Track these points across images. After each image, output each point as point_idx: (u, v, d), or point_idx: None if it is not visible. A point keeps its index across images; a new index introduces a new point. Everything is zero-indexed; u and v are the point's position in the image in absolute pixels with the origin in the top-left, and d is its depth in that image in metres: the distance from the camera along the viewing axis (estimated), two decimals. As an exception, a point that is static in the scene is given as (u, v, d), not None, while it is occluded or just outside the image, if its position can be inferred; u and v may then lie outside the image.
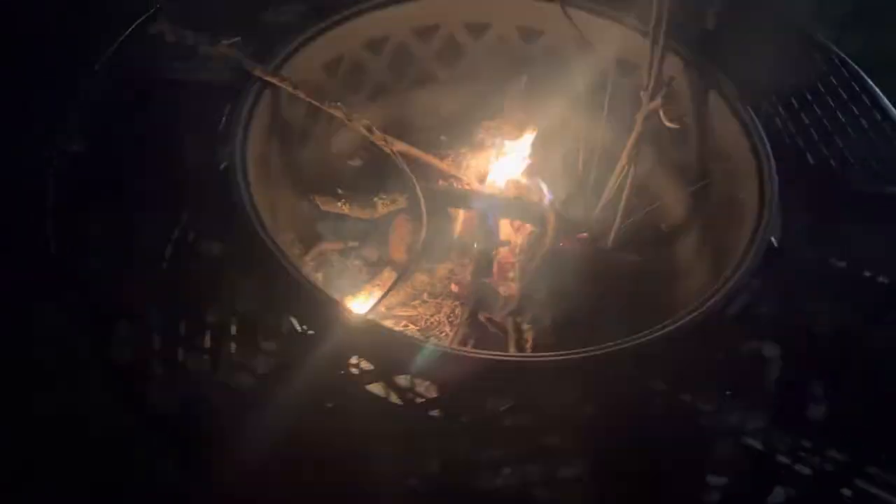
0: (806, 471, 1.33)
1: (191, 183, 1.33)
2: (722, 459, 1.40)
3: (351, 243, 1.56)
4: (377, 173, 1.60)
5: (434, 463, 1.20)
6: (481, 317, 1.39)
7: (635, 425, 1.30)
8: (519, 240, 1.55)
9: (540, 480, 1.30)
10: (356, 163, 1.70)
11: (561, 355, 1.14)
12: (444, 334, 1.45)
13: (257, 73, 1.39)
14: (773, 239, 1.32)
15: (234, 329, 1.25)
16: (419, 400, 1.21)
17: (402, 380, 1.15)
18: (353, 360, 1.13)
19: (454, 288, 1.52)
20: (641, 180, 1.59)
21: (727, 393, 1.55)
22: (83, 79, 1.47)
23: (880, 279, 1.35)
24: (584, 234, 1.54)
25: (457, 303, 1.47)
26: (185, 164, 1.35)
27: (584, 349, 1.15)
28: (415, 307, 1.48)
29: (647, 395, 1.37)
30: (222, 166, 1.25)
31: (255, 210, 1.23)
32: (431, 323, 1.46)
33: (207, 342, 1.27)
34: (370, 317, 1.23)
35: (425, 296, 1.49)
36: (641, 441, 1.30)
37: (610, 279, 1.49)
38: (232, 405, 1.22)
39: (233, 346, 1.25)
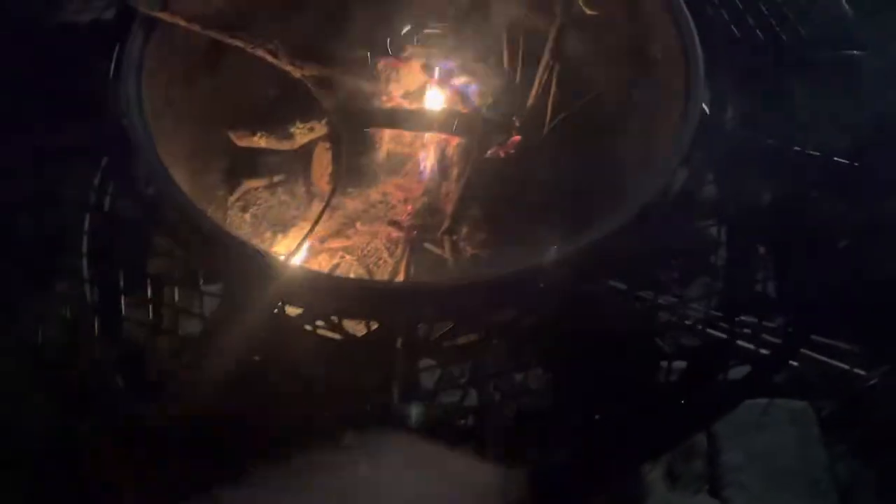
0: (755, 346, 1.36)
1: (89, 137, 1.26)
2: (677, 344, 1.43)
3: (277, 178, 1.50)
4: (299, 100, 1.51)
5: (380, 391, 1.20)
6: (422, 240, 1.36)
7: (588, 326, 1.31)
8: (450, 153, 1.49)
9: (493, 394, 1.32)
10: (272, 91, 1.60)
11: (494, 273, 1.11)
12: (381, 261, 1.41)
13: (142, 8, 1.28)
14: (704, 106, 1.28)
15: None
16: (356, 333, 1.19)
17: (334, 318, 1.12)
18: (280, 305, 1.09)
19: (392, 213, 1.47)
20: (574, 71, 1.53)
21: (674, 278, 1.56)
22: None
23: (809, 152, 1.32)
24: (517, 137, 1.49)
25: (392, 228, 1.42)
26: (79, 116, 1.27)
27: (521, 263, 1.12)
28: (349, 236, 1.43)
29: (595, 295, 1.37)
30: (123, 120, 1.16)
31: (158, 161, 1.15)
32: (368, 251, 1.42)
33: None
34: (291, 261, 1.18)
35: (358, 224, 1.44)
36: (597, 339, 1.31)
37: (547, 179, 1.45)
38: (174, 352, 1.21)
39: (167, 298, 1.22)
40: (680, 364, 1.39)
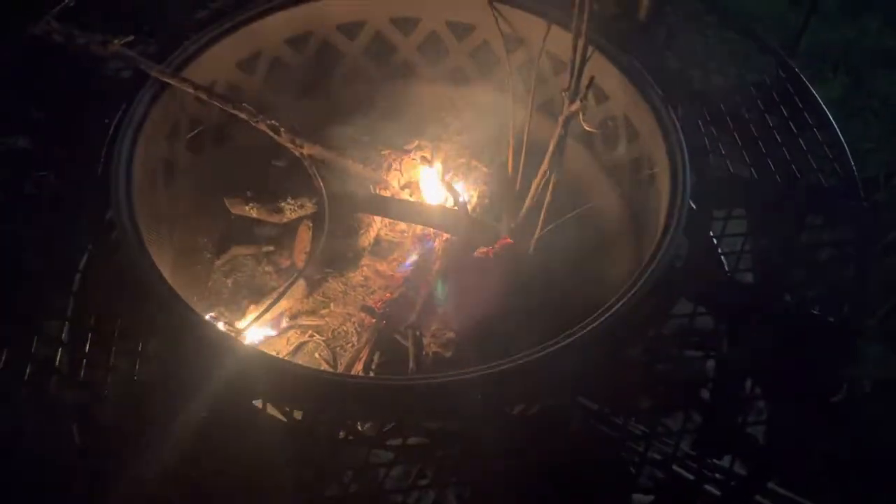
0: (722, 493, 1.28)
1: (76, 193, 1.29)
2: (647, 478, 1.36)
3: (265, 248, 1.51)
4: (298, 176, 1.54)
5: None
6: (392, 330, 1.34)
7: (551, 443, 1.25)
8: (438, 247, 1.48)
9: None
10: (281, 163, 1.64)
11: (445, 376, 1.08)
12: (349, 345, 1.39)
13: (154, 73, 1.34)
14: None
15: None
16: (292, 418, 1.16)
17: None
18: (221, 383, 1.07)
19: (369, 299, 1.47)
20: (573, 181, 1.53)
21: (653, 407, 1.49)
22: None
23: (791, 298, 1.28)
24: (508, 240, 1.48)
25: (366, 314, 1.41)
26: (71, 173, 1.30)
27: (478, 367, 1.09)
28: (322, 316, 1.42)
29: (561, 411, 1.32)
30: (99, 172, 1.19)
31: (133, 226, 1.17)
32: (338, 333, 1.41)
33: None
34: (242, 335, 1.17)
35: (333, 305, 1.43)
36: (558, 458, 1.25)
37: (528, 286, 1.43)
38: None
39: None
40: (644, 498, 1.32)
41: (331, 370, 1.29)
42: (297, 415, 1.15)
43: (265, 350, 1.29)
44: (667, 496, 1.32)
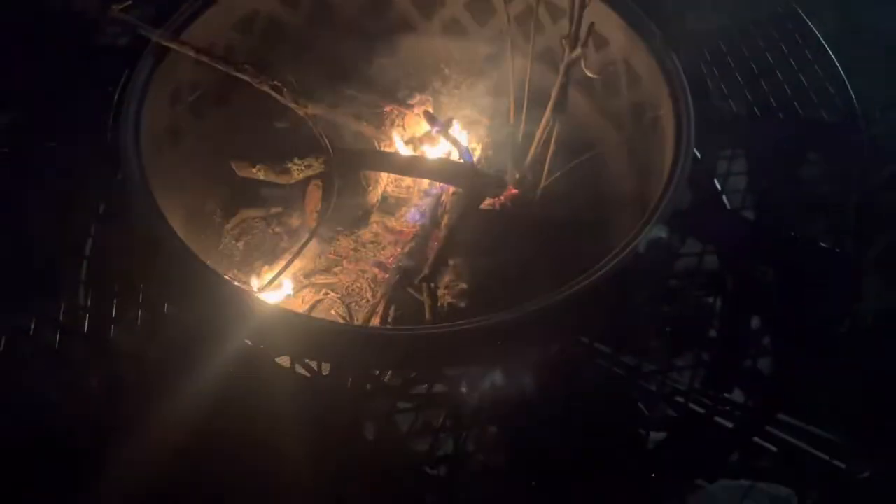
0: (734, 425, 1.32)
1: (84, 160, 1.30)
2: (658, 415, 1.40)
3: (274, 209, 1.52)
4: (302, 136, 1.54)
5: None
6: (405, 284, 1.36)
7: (566, 386, 1.29)
8: (445, 201, 1.49)
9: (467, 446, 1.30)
10: (282, 124, 1.64)
11: (464, 324, 1.10)
12: (364, 301, 1.41)
13: (155, 38, 1.33)
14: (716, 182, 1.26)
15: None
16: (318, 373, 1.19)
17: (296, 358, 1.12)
18: (247, 340, 1.10)
19: (380, 255, 1.48)
20: (574, 130, 1.54)
21: (663, 346, 1.53)
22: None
23: (793, 234, 1.30)
24: (514, 190, 1.49)
25: (378, 269, 1.43)
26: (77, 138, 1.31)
27: (492, 314, 1.11)
28: (335, 274, 1.44)
29: (574, 355, 1.35)
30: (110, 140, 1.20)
31: (146, 186, 1.18)
32: (352, 290, 1.43)
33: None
34: (264, 295, 1.19)
35: (346, 262, 1.45)
36: (573, 400, 1.29)
37: (535, 235, 1.45)
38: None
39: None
40: (659, 435, 1.36)
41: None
42: (324, 369, 1.18)
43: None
44: (680, 431, 1.36)
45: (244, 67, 1.39)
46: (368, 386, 1.22)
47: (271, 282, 1.24)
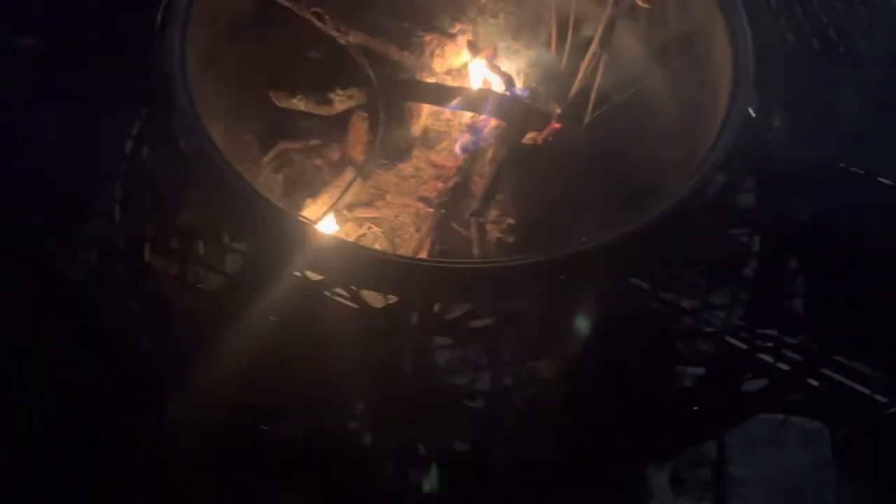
0: (775, 361, 1.34)
1: (131, 87, 1.27)
2: (696, 350, 1.41)
3: (312, 141, 1.49)
4: (339, 65, 1.51)
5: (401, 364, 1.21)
6: (449, 218, 1.36)
7: (608, 322, 1.29)
8: (487, 134, 1.47)
9: (506, 380, 1.32)
10: (315, 54, 1.59)
11: (517, 260, 1.10)
12: (407, 236, 1.40)
13: (195, -40, 1.28)
14: (751, 111, 1.25)
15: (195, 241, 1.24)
16: (373, 306, 1.19)
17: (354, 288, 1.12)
18: (304, 272, 1.09)
19: (423, 189, 1.47)
20: (619, 62, 1.51)
21: (701, 284, 1.54)
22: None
23: (853, 170, 1.29)
24: (557, 125, 1.47)
25: (421, 203, 1.42)
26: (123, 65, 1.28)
27: (544, 252, 1.10)
28: (378, 208, 1.43)
29: (617, 292, 1.36)
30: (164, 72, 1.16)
31: (196, 117, 1.15)
32: (395, 224, 1.42)
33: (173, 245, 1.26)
34: (319, 226, 1.18)
35: (388, 196, 1.44)
36: (615, 338, 1.29)
37: (582, 170, 1.43)
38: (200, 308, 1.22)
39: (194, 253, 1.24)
40: (697, 370, 1.38)
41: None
42: (376, 303, 1.18)
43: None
44: (720, 367, 1.38)
45: (284, -8, 1.35)
46: (416, 319, 1.22)
47: (326, 213, 1.23)
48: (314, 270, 1.08)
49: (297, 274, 1.10)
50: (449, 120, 1.54)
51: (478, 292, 1.13)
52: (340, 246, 1.07)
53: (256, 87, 1.46)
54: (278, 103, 1.42)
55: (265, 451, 1.19)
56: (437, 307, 1.16)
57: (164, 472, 1.17)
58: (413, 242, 1.37)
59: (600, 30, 1.41)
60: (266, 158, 1.48)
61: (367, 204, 1.44)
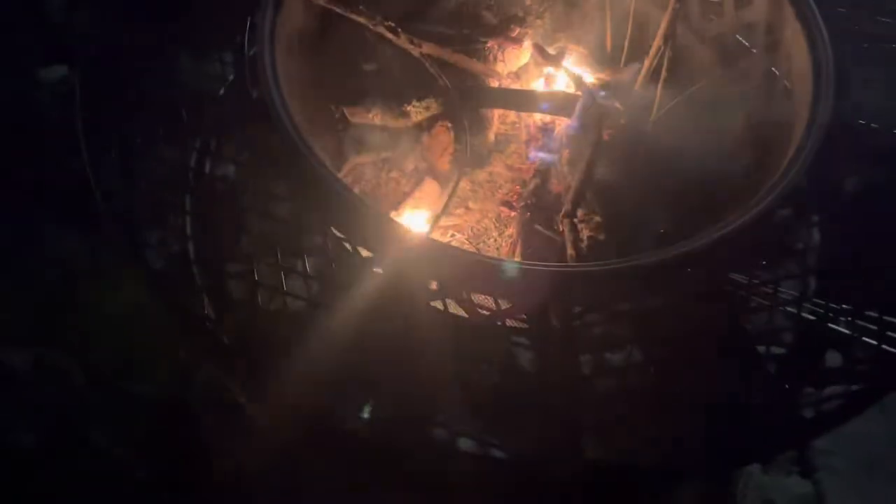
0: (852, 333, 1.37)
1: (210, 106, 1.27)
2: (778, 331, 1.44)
3: (384, 154, 1.50)
4: (408, 77, 1.50)
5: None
6: (533, 221, 1.37)
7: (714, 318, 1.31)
8: (562, 136, 1.49)
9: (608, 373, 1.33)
10: (371, 66, 1.59)
11: (625, 262, 1.12)
12: (492, 240, 1.42)
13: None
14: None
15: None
16: (486, 312, 1.20)
17: (467, 295, 1.13)
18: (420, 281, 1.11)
19: (502, 194, 1.48)
20: (680, 58, 1.53)
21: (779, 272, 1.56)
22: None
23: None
24: (622, 122, 1.49)
25: (503, 208, 1.43)
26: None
27: (646, 254, 1.13)
28: (459, 215, 1.44)
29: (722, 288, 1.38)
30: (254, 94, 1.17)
31: (297, 132, 1.16)
32: (478, 230, 1.43)
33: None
34: (431, 235, 1.19)
35: (469, 203, 1.45)
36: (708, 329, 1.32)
37: (653, 167, 1.46)
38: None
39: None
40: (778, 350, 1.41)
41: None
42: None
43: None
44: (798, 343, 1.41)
45: (360, 10, 1.35)
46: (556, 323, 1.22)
47: (436, 221, 1.23)
48: (437, 279, 1.10)
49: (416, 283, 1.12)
50: (514, 122, 1.56)
51: (613, 292, 1.15)
52: (473, 260, 1.10)
53: (323, 103, 1.46)
54: (352, 119, 1.43)
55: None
56: (576, 310, 1.17)
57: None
58: (497, 246, 1.39)
59: (663, 25, 1.44)
60: (341, 173, 1.48)
61: (447, 212, 1.45)
